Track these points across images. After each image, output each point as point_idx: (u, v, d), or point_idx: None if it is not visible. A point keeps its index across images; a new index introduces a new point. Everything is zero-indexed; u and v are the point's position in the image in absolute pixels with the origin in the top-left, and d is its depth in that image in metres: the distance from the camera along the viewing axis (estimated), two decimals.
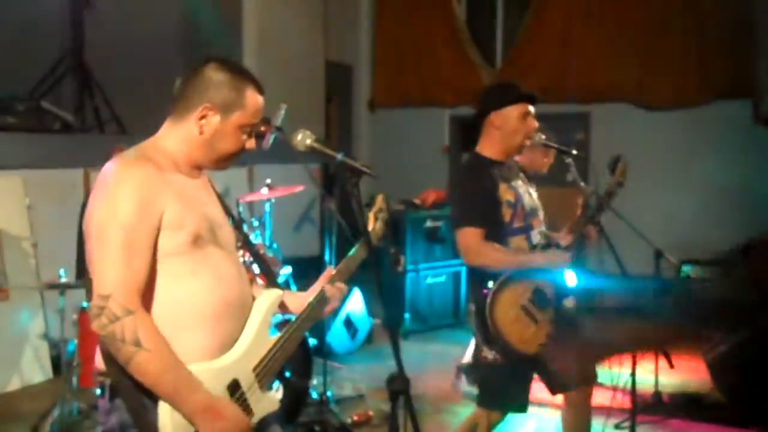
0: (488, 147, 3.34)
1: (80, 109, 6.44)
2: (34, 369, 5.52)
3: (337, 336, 6.04)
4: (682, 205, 8.42)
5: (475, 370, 3.47)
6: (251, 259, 2.41)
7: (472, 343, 5.30)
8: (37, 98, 6.05)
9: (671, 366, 3.32)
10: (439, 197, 7.13)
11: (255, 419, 2.10)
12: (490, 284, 3.15)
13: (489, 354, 3.25)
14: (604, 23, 8.82)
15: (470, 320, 3.47)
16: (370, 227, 2.38)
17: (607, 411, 3.68)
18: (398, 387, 2.07)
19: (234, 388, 2.04)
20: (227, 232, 2.19)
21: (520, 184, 3.36)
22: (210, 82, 2.07)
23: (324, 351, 5.53)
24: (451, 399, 5.19)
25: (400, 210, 6.97)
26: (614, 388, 3.60)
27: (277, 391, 2.24)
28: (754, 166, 8.05)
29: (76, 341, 4.62)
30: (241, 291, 2.14)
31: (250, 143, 2.15)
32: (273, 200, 5.63)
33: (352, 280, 2.41)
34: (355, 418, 4.62)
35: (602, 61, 8.74)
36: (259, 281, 2.45)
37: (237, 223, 2.31)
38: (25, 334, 5.52)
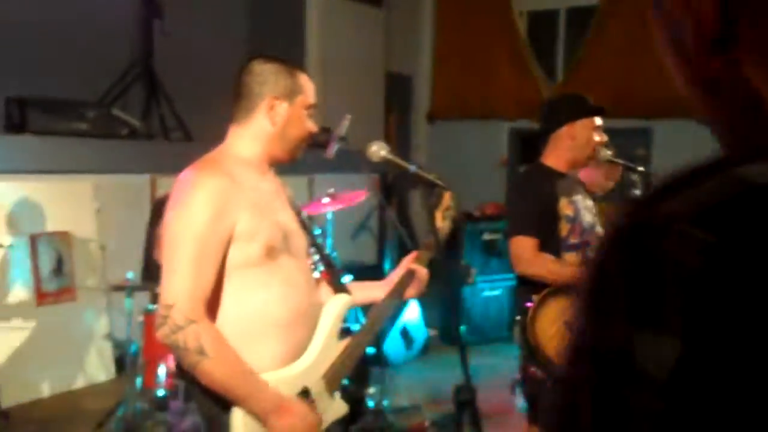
0: (553, 158, 3.31)
1: (147, 115, 6.60)
2: (99, 368, 5.66)
3: (393, 345, 6.06)
4: None
5: (524, 385, 3.42)
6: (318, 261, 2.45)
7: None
8: (107, 104, 6.23)
9: None
10: (497, 210, 7.11)
11: (323, 426, 2.13)
12: (534, 297, 3.11)
13: (537, 370, 3.19)
14: None
15: (515, 334, 3.43)
16: (438, 225, 2.39)
17: None
18: (464, 397, 2.08)
19: (304, 395, 2.08)
20: (299, 238, 2.22)
21: (580, 199, 3.31)
22: (265, 74, 2.13)
23: (381, 360, 5.56)
24: (505, 413, 5.15)
25: (458, 222, 6.95)
26: None
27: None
28: None
29: (140, 342, 4.72)
30: (311, 299, 2.18)
31: (312, 125, 2.18)
32: (334, 210, 5.68)
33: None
34: (411, 427, 4.63)
35: (665, 75, 8.57)
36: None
37: (307, 228, 2.34)
38: (90, 334, 5.67)
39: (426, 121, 10.32)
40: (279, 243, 2.09)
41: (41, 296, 5.38)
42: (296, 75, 2.16)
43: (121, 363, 5.66)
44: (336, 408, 2.19)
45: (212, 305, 2.01)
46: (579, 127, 3.24)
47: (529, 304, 3.12)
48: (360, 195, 5.81)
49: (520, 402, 5.20)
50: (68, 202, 5.63)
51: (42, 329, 5.33)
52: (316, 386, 2.12)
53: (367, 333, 2.28)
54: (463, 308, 6.78)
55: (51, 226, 5.50)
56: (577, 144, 3.25)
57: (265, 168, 2.18)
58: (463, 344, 2.12)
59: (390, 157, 2.17)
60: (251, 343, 2.03)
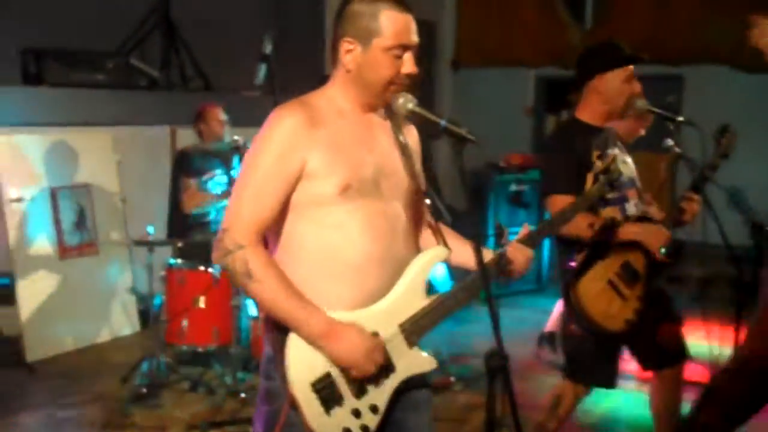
0: (588, 112, 3.18)
1: (166, 65, 6.48)
2: (123, 322, 5.67)
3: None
4: None
5: (563, 342, 3.35)
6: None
7: (556, 311, 5.23)
8: (125, 54, 6.11)
9: None
10: (525, 160, 6.96)
11: (398, 376, 2.06)
12: (576, 257, 3.03)
13: (577, 328, 3.13)
14: None
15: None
16: (587, 187, 2.32)
17: (696, 387, 3.54)
18: (496, 363, 1.99)
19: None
20: (398, 180, 2.12)
21: (618, 153, 3.18)
22: (346, 16, 2.04)
23: None
24: (533, 367, 5.10)
25: (485, 172, 6.84)
26: (708, 363, 3.44)
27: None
28: None
29: (163, 297, 4.70)
30: (394, 246, 2.07)
31: (408, 66, 2.04)
32: None
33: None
34: (436, 382, 4.58)
35: (698, 20, 8.31)
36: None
37: (417, 174, 2.20)
38: (113, 287, 5.66)
39: (450, 68, 10.10)
40: (361, 183, 2.01)
41: (64, 250, 5.35)
42: (377, 14, 2.00)
43: (145, 317, 5.66)
44: (417, 360, 2.09)
45: (281, 240, 2.04)
46: (610, 78, 3.10)
47: (572, 264, 3.04)
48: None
49: (547, 355, 5.17)
50: (88, 154, 5.56)
51: (65, 283, 5.32)
52: (389, 333, 2.03)
53: (467, 292, 2.14)
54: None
55: (71, 179, 5.45)
56: (609, 96, 3.12)
57: (358, 111, 2.11)
58: (494, 310, 2.00)
59: (418, 109, 2.04)
60: (321, 282, 2.00)
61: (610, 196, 3.06)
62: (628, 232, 3.03)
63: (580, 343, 3.16)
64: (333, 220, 2.00)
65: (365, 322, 2.01)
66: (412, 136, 2.24)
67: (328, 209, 2.00)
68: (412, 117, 2.09)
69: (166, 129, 6.09)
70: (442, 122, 1.99)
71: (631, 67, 3.12)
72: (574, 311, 3.03)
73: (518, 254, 2.24)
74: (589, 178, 2.34)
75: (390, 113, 2.15)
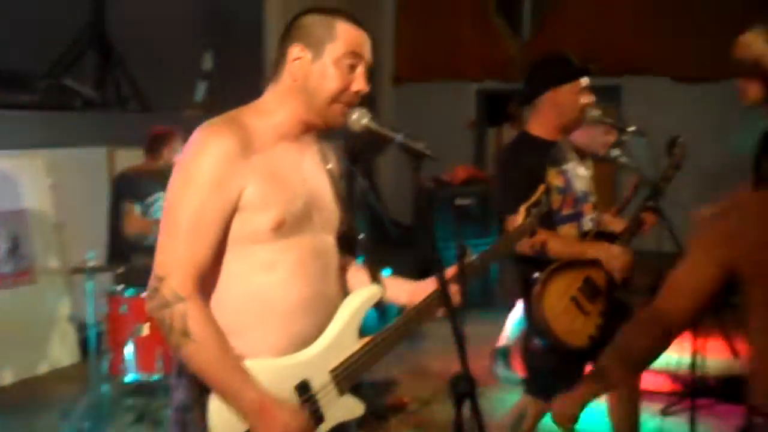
0: (541, 126, 3.14)
1: (102, 85, 6.30)
2: (62, 353, 5.45)
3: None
4: (715, 182, 8.17)
5: (525, 357, 3.31)
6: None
7: (508, 324, 5.20)
8: (57, 75, 5.92)
9: (735, 354, 3.16)
10: (469, 174, 6.96)
11: (327, 425, 1.92)
12: (536, 274, 2.99)
13: (539, 343, 3.10)
14: None
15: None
16: (518, 222, 2.25)
17: (655, 396, 3.54)
18: (464, 389, 1.91)
19: (303, 389, 1.88)
20: (330, 213, 1.99)
21: (571, 167, 3.16)
22: (297, 26, 1.90)
23: None
24: (486, 383, 5.05)
25: (429, 187, 6.81)
26: (666, 373, 3.44)
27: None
28: None
29: (104, 325, 4.51)
30: (326, 287, 1.94)
31: (359, 83, 1.90)
32: None
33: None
34: (390, 403, 4.50)
35: (634, 32, 8.48)
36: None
37: (344, 203, 2.07)
38: (52, 317, 5.45)
39: (391, 83, 10.09)
40: (295, 218, 1.86)
41: None
42: (333, 24, 1.88)
43: (85, 347, 5.43)
44: (347, 407, 1.96)
45: (210, 282, 1.84)
46: (563, 92, 3.07)
47: (533, 280, 2.99)
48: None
49: (501, 370, 5.13)
50: (21, 179, 5.35)
51: (0, 314, 5.08)
52: (320, 381, 1.91)
53: (399, 333, 2.02)
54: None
55: (3, 206, 5.22)
56: (563, 110, 3.09)
57: (295, 132, 1.94)
58: (460, 332, 1.92)
59: (373, 125, 1.94)
60: (248, 327, 1.84)
61: (565, 212, 3.05)
62: (591, 252, 3.01)
63: (542, 359, 3.12)
64: (263, 260, 1.84)
65: (297, 370, 1.88)
66: (335, 162, 2.09)
67: (260, 247, 1.83)
68: (366, 132, 1.97)
69: (103, 150, 5.90)
70: (399, 138, 1.90)
71: (583, 79, 3.10)
72: (537, 327, 3.00)
73: (452, 288, 2.07)
74: (521, 210, 2.30)
75: (319, 137, 2.02)
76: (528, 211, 2.31)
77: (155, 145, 4.89)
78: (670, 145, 3.23)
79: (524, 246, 3.00)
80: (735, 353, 3.28)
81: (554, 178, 3.06)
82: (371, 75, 1.97)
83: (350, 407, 1.98)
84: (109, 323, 4.46)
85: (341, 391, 1.94)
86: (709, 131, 8.30)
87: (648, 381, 3.55)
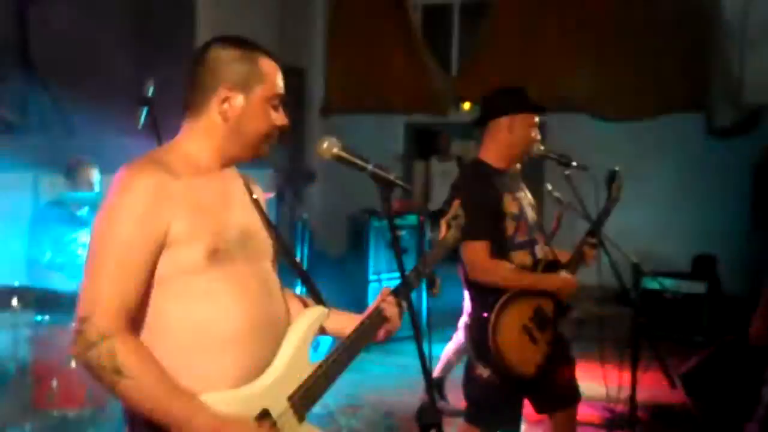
0: (493, 153, 3.22)
1: (25, 109, 6.08)
2: None
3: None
4: (636, 217, 8.45)
5: (467, 386, 3.32)
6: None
7: (443, 356, 5.21)
8: None
9: (673, 385, 3.26)
10: (400, 205, 7.00)
11: None
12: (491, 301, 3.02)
13: (484, 372, 3.12)
14: (560, 33, 8.82)
15: (460, 334, 3.30)
16: (441, 235, 2.25)
17: (589, 430, 3.60)
18: (430, 420, 1.91)
19: (264, 418, 1.83)
20: (262, 239, 1.98)
21: (523, 196, 3.24)
22: (219, 61, 1.88)
23: None
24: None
25: (363, 218, 6.84)
26: (600, 404, 3.50)
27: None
28: (708, 178, 8.14)
29: (28, 357, 4.33)
30: (270, 311, 1.91)
31: (281, 118, 1.93)
32: None
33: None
34: None
35: (559, 71, 8.72)
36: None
37: (276, 230, 2.07)
38: None
39: (320, 115, 10.08)
40: (228, 246, 1.84)
41: None
42: (257, 61, 1.90)
43: (5, 380, 5.17)
44: None
45: (147, 324, 1.79)
46: (519, 120, 3.18)
47: (485, 315, 3.01)
48: (265, 196, 5.55)
49: (438, 402, 5.12)
50: None
51: None
52: (279, 409, 1.86)
53: (347, 352, 2.02)
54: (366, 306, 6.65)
55: None
56: (515, 138, 3.18)
57: (218, 165, 1.93)
58: (428, 368, 1.92)
59: (344, 154, 1.96)
60: (198, 360, 1.79)
61: (519, 239, 3.11)
62: (542, 284, 3.06)
63: (485, 388, 3.14)
64: (201, 290, 1.80)
65: (255, 399, 1.83)
66: (259, 192, 2.10)
67: (196, 278, 1.80)
68: (336, 161, 1.98)
69: (29, 176, 5.69)
70: (370, 167, 1.93)
71: (536, 115, 3.19)
72: (488, 356, 3.02)
73: (392, 309, 2.11)
74: (443, 224, 2.34)
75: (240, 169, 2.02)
76: (448, 224, 2.33)
77: (71, 172, 4.89)
78: (610, 178, 3.34)
79: (477, 275, 3.03)
80: (671, 384, 3.37)
81: (509, 205, 3.12)
82: (296, 105, 2.00)
83: None
84: (34, 354, 4.30)
85: (300, 418, 1.91)
86: (632, 169, 8.59)
87: (583, 412, 3.60)
